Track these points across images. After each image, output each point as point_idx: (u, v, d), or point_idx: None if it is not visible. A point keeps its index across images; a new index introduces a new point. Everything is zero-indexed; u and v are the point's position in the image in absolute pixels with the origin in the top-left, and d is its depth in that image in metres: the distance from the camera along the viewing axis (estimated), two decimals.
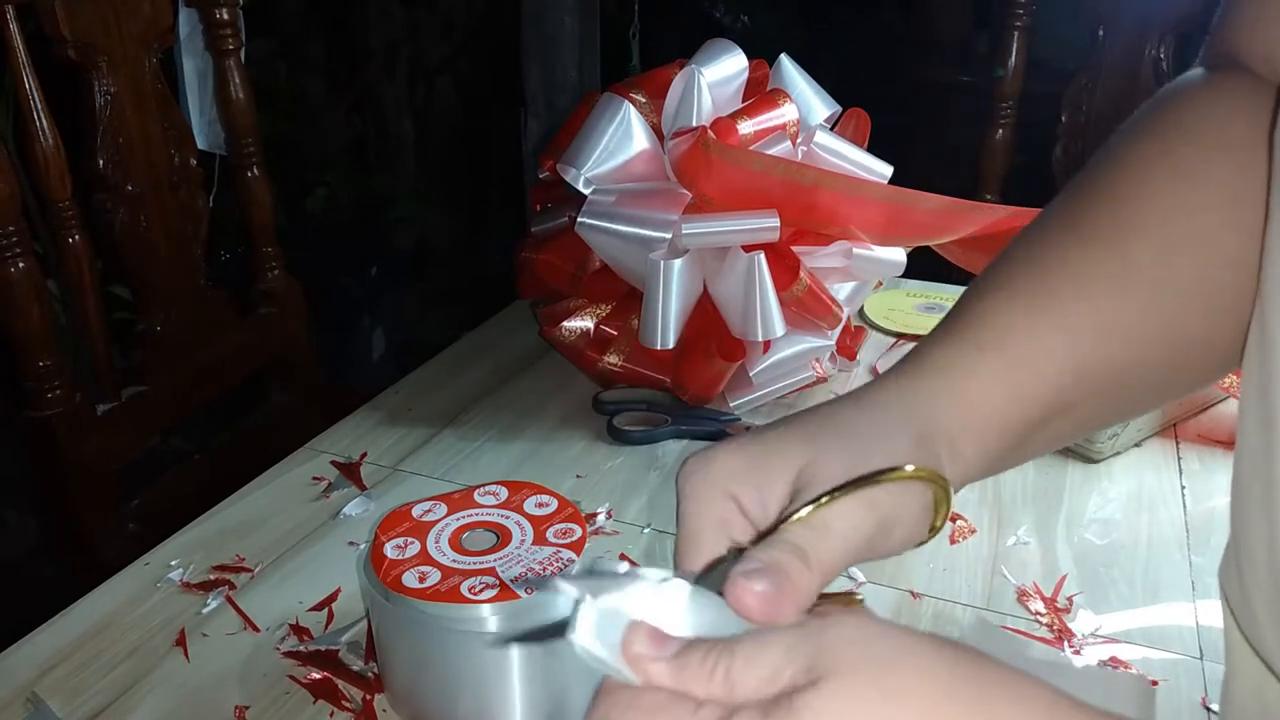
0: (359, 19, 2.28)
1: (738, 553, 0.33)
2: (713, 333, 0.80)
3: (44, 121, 0.95)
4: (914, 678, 0.26)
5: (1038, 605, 0.61)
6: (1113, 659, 0.56)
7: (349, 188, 2.28)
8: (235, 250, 1.83)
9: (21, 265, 0.93)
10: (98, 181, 1.04)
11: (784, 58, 0.88)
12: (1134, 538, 0.68)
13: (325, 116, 2.27)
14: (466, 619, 0.49)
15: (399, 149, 2.39)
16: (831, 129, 0.86)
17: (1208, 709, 0.53)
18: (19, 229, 0.92)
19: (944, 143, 2.14)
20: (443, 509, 0.57)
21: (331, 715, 0.53)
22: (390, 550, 0.53)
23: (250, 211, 1.24)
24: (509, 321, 1.04)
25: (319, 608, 0.61)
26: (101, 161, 1.03)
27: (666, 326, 0.78)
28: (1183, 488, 0.74)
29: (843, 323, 0.84)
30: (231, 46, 1.18)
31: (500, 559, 0.52)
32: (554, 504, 0.57)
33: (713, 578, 0.31)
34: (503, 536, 0.54)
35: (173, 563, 0.66)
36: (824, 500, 0.32)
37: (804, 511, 0.32)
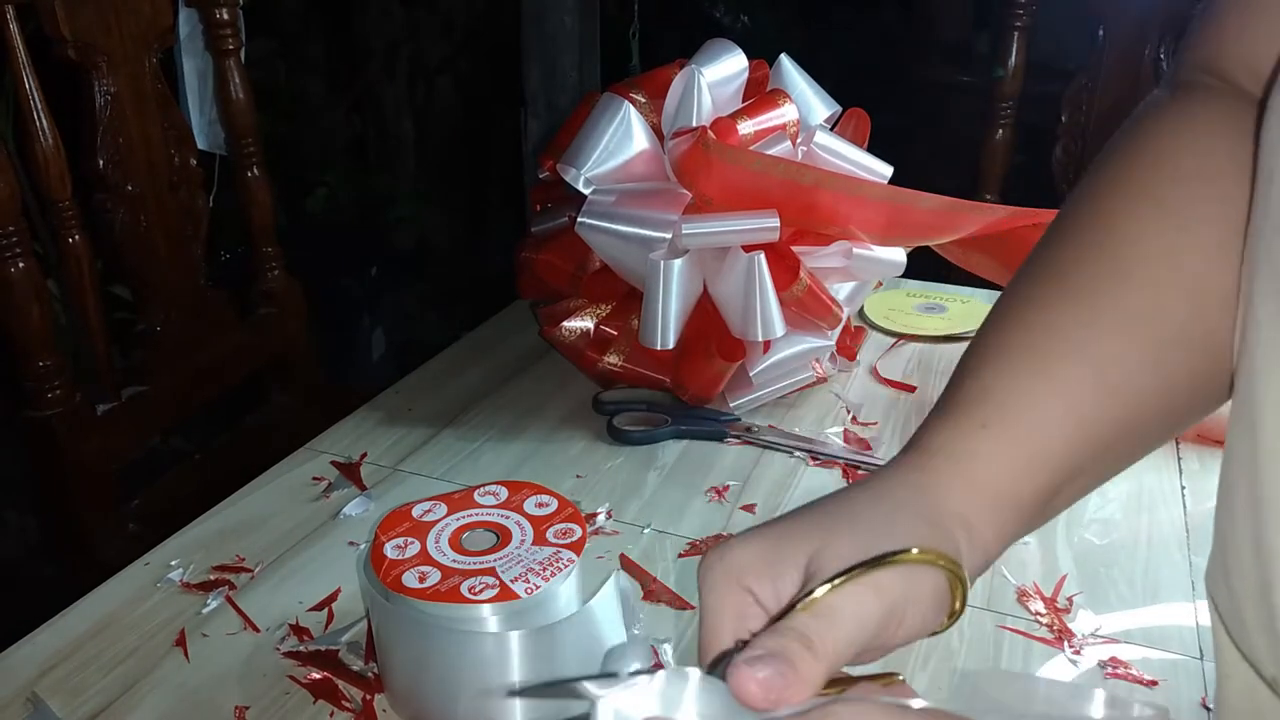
0: (359, 19, 2.28)
1: (743, 644, 0.33)
2: (713, 333, 0.80)
3: (44, 121, 0.95)
4: None
5: (1038, 605, 0.61)
6: (1113, 659, 0.56)
7: (349, 188, 2.28)
8: (235, 250, 1.83)
9: (21, 265, 0.93)
10: (98, 181, 1.04)
11: (784, 58, 0.88)
12: (1134, 538, 0.68)
13: (325, 116, 2.27)
14: (466, 619, 0.49)
15: (399, 149, 2.39)
16: (831, 129, 0.86)
17: (1207, 709, 0.53)
18: (19, 229, 0.92)
19: (944, 143, 2.14)
20: (443, 509, 0.57)
21: (331, 715, 0.53)
22: (390, 550, 0.53)
23: (250, 211, 1.24)
24: (509, 321, 1.04)
25: (319, 608, 0.61)
26: (101, 161, 1.03)
27: (666, 326, 0.78)
28: (1183, 488, 0.74)
29: (843, 323, 0.84)
30: (231, 46, 1.18)
31: (500, 559, 0.53)
32: (554, 504, 0.57)
33: (723, 668, 0.31)
34: (503, 536, 0.54)
35: (173, 563, 0.66)
36: (832, 584, 0.32)
37: (815, 593, 0.32)
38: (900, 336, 0.98)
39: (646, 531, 0.69)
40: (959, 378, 0.40)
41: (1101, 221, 0.40)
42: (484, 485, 0.59)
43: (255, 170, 1.23)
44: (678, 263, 0.76)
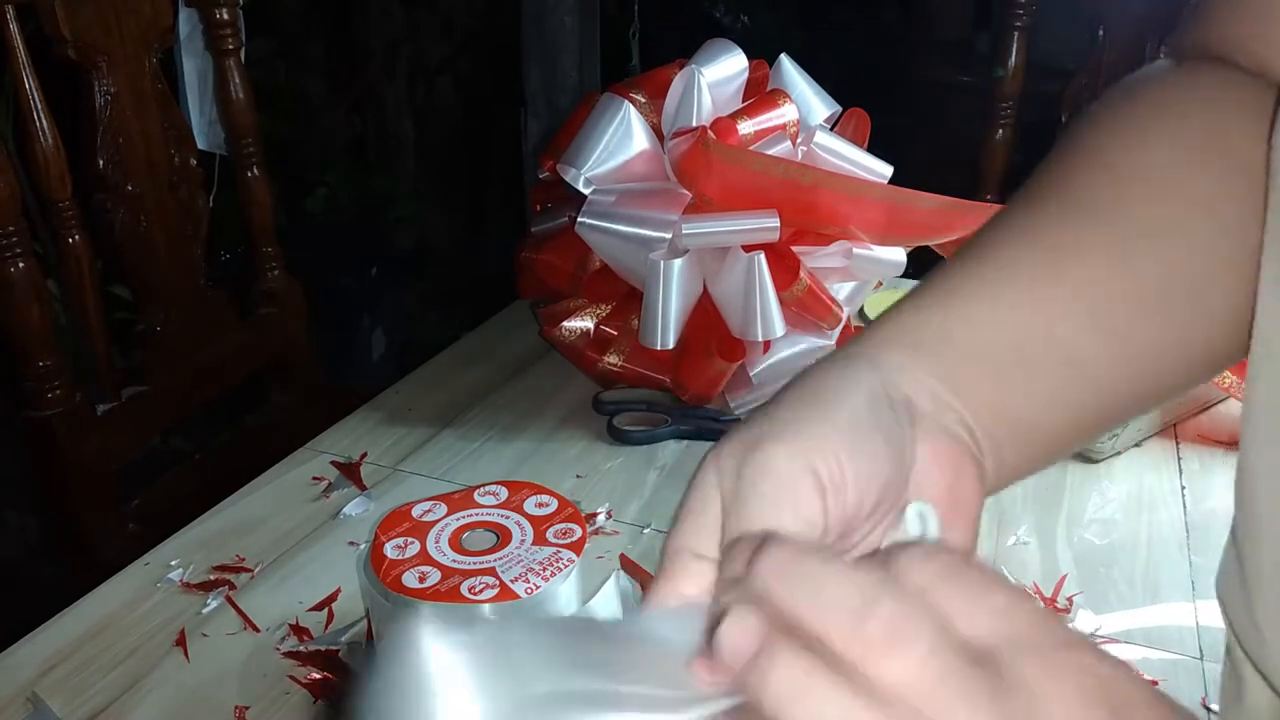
0: (359, 19, 2.28)
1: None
2: (713, 333, 0.79)
3: (44, 121, 0.95)
4: None
5: None
6: None
7: (349, 188, 2.28)
8: (235, 250, 1.83)
9: (21, 265, 0.93)
10: (98, 181, 1.04)
11: (784, 58, 0.88)
12: (1134, 538, 0.68)
13: (325, 116, 2.27)
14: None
15: (399, 149, 2.39)
16: (831, 129, 0.86)
17: (1208, 709, 0.53)
18: (19, 229, 0.92)
19: (944, 143, 2.14)
20: (443, 509, 0.57)
21: (331, 715, 0.53)
22: (390, 550, 0.53)
23: (250, 211, 1.24)
24: (509, 321, 1.04)
25: (319, 608, 0.61)
26: (101, 161, 1.03)
27: (666, 326, 0.78)
28: (1183, 488, 0.74)
29: (843, 323, 0.84)
30: (231, 46, 1.18)
31: (500, 559, 0.52)
32: (554, 504, 0.57)
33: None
34: (503, 536, 0.54)
35: (173, 563, 0.66)
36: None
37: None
38: None
39: (646, 531, 0.69)
40: (956, 259, 0.38)
41: (1106, 140, 0.39)
42: (484, 485, 0.59)
43: (255, 170, 1.23)
44: (678, 263, 0.76)
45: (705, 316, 0.80)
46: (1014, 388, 0.34)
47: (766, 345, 0.80)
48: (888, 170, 0.84)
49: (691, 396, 0.83)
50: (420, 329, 2.39)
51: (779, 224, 0.74)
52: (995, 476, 0.34)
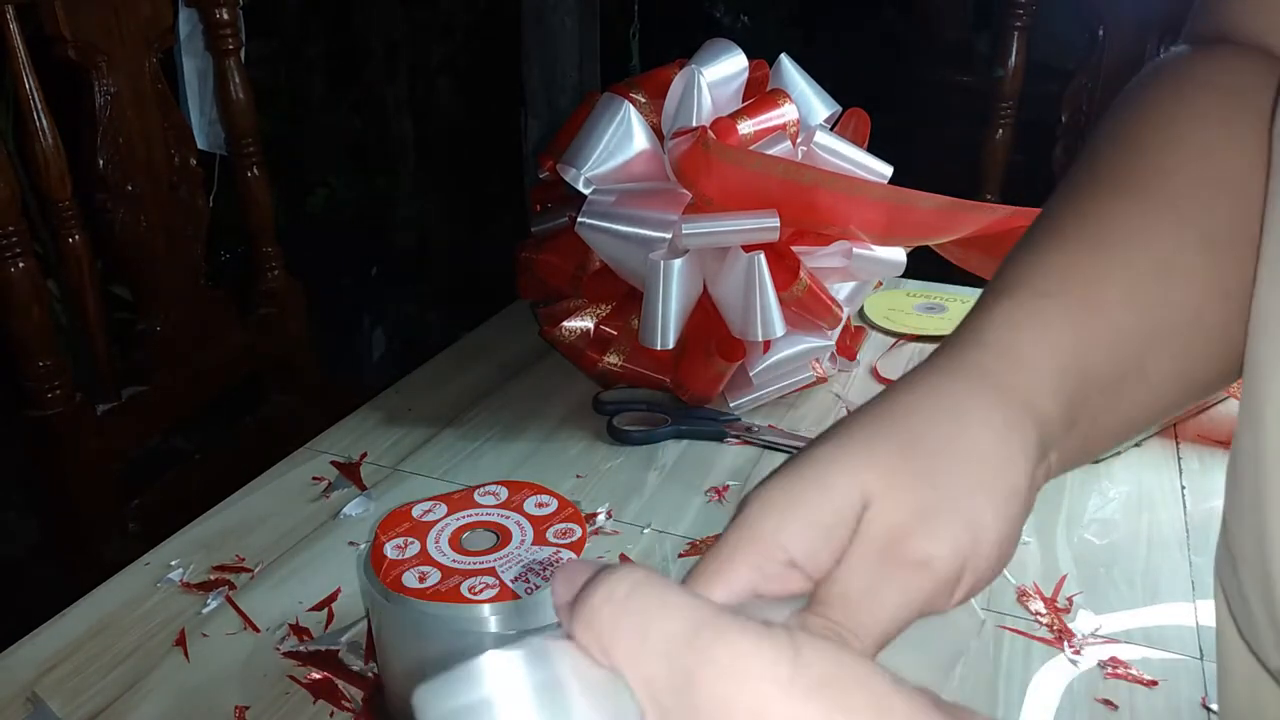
0: (359, 19, 2.28)
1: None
2: (713, 333, 0.80)
3: (44, 121, 0.95)
4: None
5: (1038, 605, 0.61)
6: (1113, 659, 0.56)
7: (349, 188, 2.28)
8: (235, 250, 1.83)
9: (21, 265, 0.93)
10: (98, 181, 1.04)
11: (784, 58, 0.88)
12: (1134, 538, 0.68)
13: (325, 116, 2.27)
14: (466, 619, 0.49)
15: (399, 149, 2.39)
16: (831, 129, 0.86)
17: (1208, 709, 0.53)
18: (19, 229, 0.92)
19: (944, 143, 2.13)
20: (443, 509, 0.57)
21: (331, 715, 0.53)
22: (390, 550, 0.53)
23: (250, 211, 1.24)
24: (509, 321, 1.04)
25: (319, 608, 0.61)
26: (101, 161, 1.03)
27: (666, 326, 0.78)
28: (1183, 488, 0.74)
29: (843, 323, 0.84)
30: (231, 46, 1.18)
31: (500, 559, 0.52)
32: (554, 504, 0.57)
33: None
34: (503, 536, 0.54)
35: (173, 563, 0.66)
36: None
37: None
38: (900, 336, 0.98)
39: (646, 531, 0.69)
40: (1007, 264, 0.37)
41: (1137, 125, 0.39)
42: (484, 485, 0.59)
43: (255, 170, 1.23)
44: (678, 263, 0.76)
45: (705, 316, 0.80)
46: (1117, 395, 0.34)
47: (766, 345, 0.80)
48: (888, 170, 0.84)
49: (691, 396, 0.83)
50: (420, 329, 2.39)
51: (779, 224, 0.74)
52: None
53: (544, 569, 0.52)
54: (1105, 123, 0.41)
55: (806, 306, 0.78)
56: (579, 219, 0.78)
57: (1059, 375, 0.32)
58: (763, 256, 0.74)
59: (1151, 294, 0.34)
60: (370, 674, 0.55)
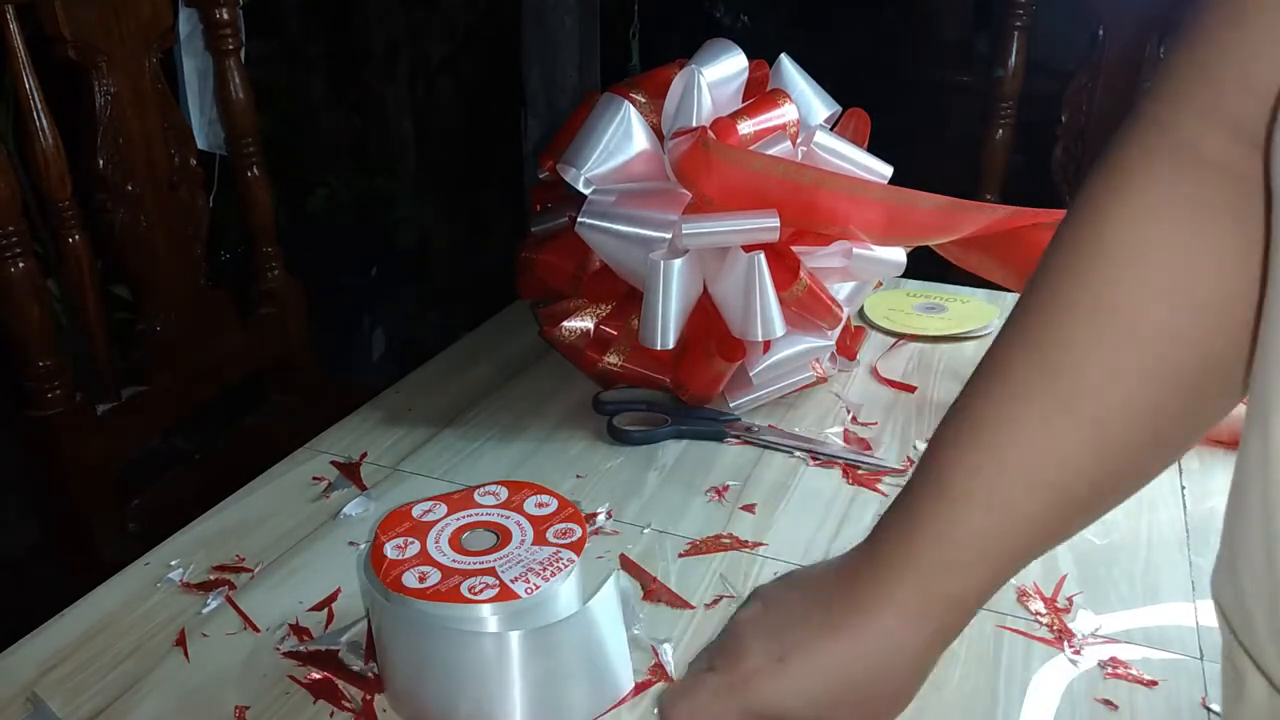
0: (359, 19, 2.28)
1: None
2: (713, 333, 0.80)
3: (44, 121, 0.95)
4: None
5: (1038, 605, 0.61)
6: (1113, 659, 0.56)
7: (349, 188, 2.29)
8: (235, 250, 1.83)
9: (21, 265, 0.93)
10: (98, 181, 1.04)
11: (784, 58, 0.88)
12: (1134, 538, 0.68)
13: (325, 116, 2.27)
14: (466, 619, 0.49)
15: (399, 149, 2.39)
16: (831, 129, 0.86)
17: (1208, 709, 0.53)
18: (19, 229, 0.92)
19: (944, 143, 2.14)
20: (443, 509, 0.57)
21: (331, 715, 0.53)
22: (390, 550, 0.53)
23: (250, 211, 1.24)
24: (509, 321, 1.04)
25: (319, 608, 0.61)
26: (101, 161, 1.03)
27: (666, 326, 0.78)
28: (1183, 488, 0.74)
29: (843, 323, 0.84)
30: (231, 46, 1.18)
31: (500, 559, 0.53)
32: (554, 504, 0.57)
33: None
34: (503, 536, 0.54)
35: (173, 563, 0.66)
36: None
37: None
38: (900, 336, 0.98)
39: (646, 531, 0.69)
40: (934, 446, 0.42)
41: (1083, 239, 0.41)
42: (484, 485, 0.59)
43: (255, 170, 1.23)
44: (678, 263, 0.76)
45: (705, 316, 0.80)
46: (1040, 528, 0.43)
47: (766, 345, 0.80)
48: (888, 170, 0.84)
49: (691, 396, 0.83)
50: (420, 329, 2.39)
51: (779, 224, 0.74)
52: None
53: (544, 569, 0.52)
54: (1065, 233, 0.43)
55: (806, 306, 0.78)
56: (579, 219, 0.78)
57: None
58: (763, 256, 0.74)
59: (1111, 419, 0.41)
60: (370, 674, 0.55)
